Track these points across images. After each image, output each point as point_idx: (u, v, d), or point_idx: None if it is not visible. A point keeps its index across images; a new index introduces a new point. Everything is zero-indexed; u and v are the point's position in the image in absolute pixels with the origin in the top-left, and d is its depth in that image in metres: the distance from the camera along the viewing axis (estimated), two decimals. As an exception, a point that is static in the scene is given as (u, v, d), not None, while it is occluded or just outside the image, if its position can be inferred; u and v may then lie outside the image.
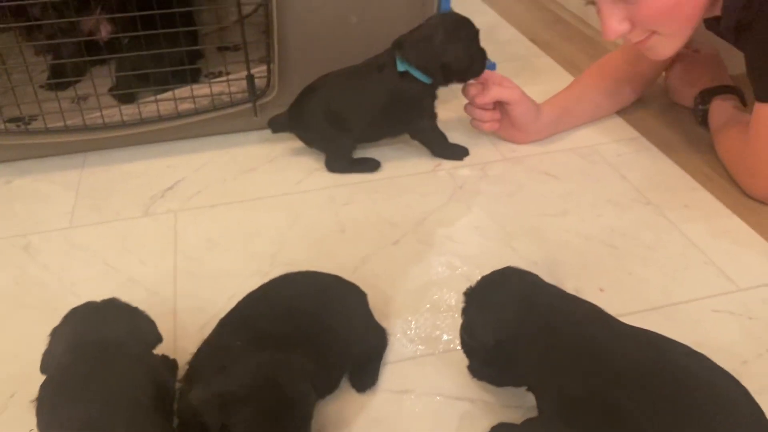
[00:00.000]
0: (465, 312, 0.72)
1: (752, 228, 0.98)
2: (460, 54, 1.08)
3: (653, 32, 0.98)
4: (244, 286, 0.79)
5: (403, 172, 1.15)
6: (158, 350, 0.74)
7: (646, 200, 1.06)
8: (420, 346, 0.82)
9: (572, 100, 1.23)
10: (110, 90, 1.27)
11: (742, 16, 0.94)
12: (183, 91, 1.19)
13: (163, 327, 0.75)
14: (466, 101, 1.18)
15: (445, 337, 0.83)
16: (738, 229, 0.99)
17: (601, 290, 0.89)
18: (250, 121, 1.22)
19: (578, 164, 1.15)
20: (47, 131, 1.15)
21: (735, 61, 1.06)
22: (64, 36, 1.25)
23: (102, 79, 1.25)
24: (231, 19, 1.47)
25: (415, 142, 1.18)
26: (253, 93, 1.19)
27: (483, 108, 1.16)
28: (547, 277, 0.73)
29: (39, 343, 0.71)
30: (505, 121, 1.18)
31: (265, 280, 0.80)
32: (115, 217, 1.07)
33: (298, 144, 1.19)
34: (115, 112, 1.17)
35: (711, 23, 1.05)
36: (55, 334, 0.71)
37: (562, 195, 1.08)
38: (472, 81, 1.14)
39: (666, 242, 0.97)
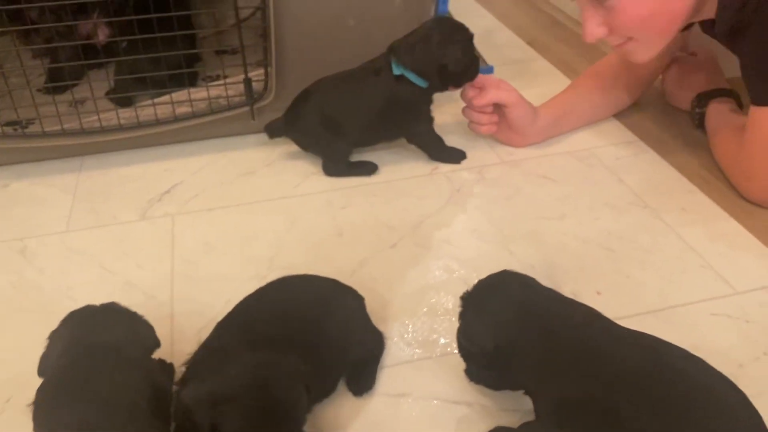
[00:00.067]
0: (462, 316, 0.72)
1: (749, 231, 0.99)
2: (458, 56, 1.08)
3: (630, 38, 1.00)
4: (242, 290, 0.79)
5: (401, 175, 1.15)
6: (155, 354, 0.74)
7: (643, 203, 1.06)
8: (417, 350, 0.82)
9: (569, 103, 1.23)
10: (107, 93, 1.27)
11: (736, 20, 0.94)
12: (180, 95, 1.19)
13: (160, 331, 0.75)
14: (463, 104, 1.18)
15: (442, 340, 0.83)
16: (735, 232, 0.99)
17: (599, 293, 0.89)
18: (248, 124, 1.22)
19: (576, 167, 1.16)
20: (44, 135, 1.15)
21: (731, 64, 1.06)
22: (62, 39, 1.25)
23: (99, 82, 1.24)
24: (228, 23, 1.47)
25: (413, 146, 1.18)
26: (251, 96, 1.19)
27: (480, 111, 1.16)
28: (545, 281, 0.73)
29: (35, 348, 0.70)
30: (503, 124, 1.18)
31: (263, 283, 0.80)
32: (112, 220, 1.07)
33: (296, 147, 1.19)
34: (113, 116, 1.17)
35: (706, 26, 1.05)
36: (53, 337, 0.71)
37: (559, 198, 1.08)
38: (467, 85, 1.14)
39: (663, 245, 0.97)
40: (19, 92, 1.17)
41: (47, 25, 1.17)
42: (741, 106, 1.16)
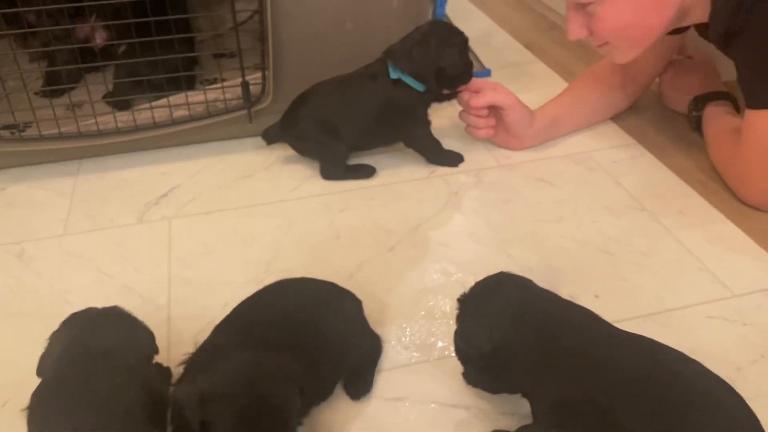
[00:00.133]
0: (460, 319, 0.72)
1: (746, 234, 0.99)
2: (455, 59, 1.09)
3: (607, 42, 1.04)
4: (239, 294, 0.79)
5: (398, 178, 1.15)
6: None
7: (641, 206, 1.06)
8: (415, 353, 0.82)
9: (566, 106, 1.23)
10: (104, 97, 1.26)
11: (729, 24, 0.95)
12: (178, 98, 1.19)
13: (157, 334, 0.75)
14: (460, 108, 1.19)
15: (440, 344, 0.83)
16: (732, 235, 0.99)
17: (596, 296, 0.89)
18: (245, 127, 1.22)
19: (573, 171, 1.16)
20: (42, 138, 1.15)
21: (728, 67, 1.07)
22: (59, 43, 1.25)
23: (97, 86, 1.24)
24: (226, 26, 1.47)
25: (410, 149, 1.18)
26: (248, 100, 1.19)
27: (477, 115, 1.17)
28: (542, 284, 0.73)
29: (33, 351, 0.70)
30: (500, 128, 1.19)
31: (260, 287, 0.80)
32: (110, 224, 1.06)
33: (293, 151, 1.19)
34: (110, 119, 1.17)
35: (702, 30, 1.05)
36: (54, 338, 0.71)
37: (557, 201, 1.08)
38: (462, 88, 1.15)
39: (660, 248, 0.97)
40: (16, 95, 1.16)
41: (45, 28, 1.17)
42: (738, 110, 1.16)
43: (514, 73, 1.52)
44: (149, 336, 0.73)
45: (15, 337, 0.86)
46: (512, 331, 0.68)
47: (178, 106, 1.18)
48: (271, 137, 1.18)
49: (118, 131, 1.17)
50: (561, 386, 0.63)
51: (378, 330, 0.83)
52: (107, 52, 1.34)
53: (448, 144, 1.20)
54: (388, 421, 0.74)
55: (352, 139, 1.14)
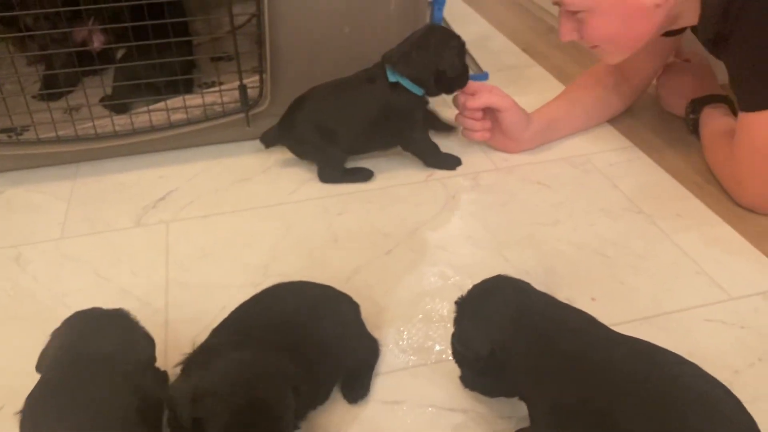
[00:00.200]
0: (457, 322, 0.72)
1: (743, 236, 0.99)
2: (454, 61, 1.10)
3: (597, 45, 1.06)
4: (237, 297, 0.79)
5: (396, 182, 1.15)
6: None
7: (637, 209, 1.06)
8: (412, 357, 0.81)
9: (563, 109, 1.23)
10: (102, 100, 1.26)
11: (719, 28, 0.95)
12: (175, 102, 1.19)
13: (155, 338, 0.74)
14: (457, 112, 1.19)
15: (437, 347, 0.83)
16: (729, 238, 0.99)
17: (593, 299, 0.89)
18: (243, 131, 1.23)
19: (570, 173, 1.16)
20: (39, 142, 1.15)
21: (725, 70, 1.07)
22: (57, 46, 1.25)
23: (94, 89, 1.24)
24: (224, 30, 1.47)
25: (408, 153, 1.18)
26: (246, 103, 1.19)
27: (473, 117, 1.17)
28: (540, 286, 0.73)
29: (30, 355, 0.70)
30: (496, 130, 1.19)
31: (258, 290, 0.80)
32: (107, 227, 1.06)
33: (291, 154, 1.19)
34: (108, 123, 1.16)
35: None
36: (55, 335, 0.71)
37: (554, 204, 1.08)
38: (458, 92, 1.15)
39: (658, 251, 0.97)
40: (13, 99, 1.16)
41: (42, 32, 1.17)
42: (735, 112, 1.16)
43: (512, 76, 1.52)
44: (148, 342, 0.73)
45: (12, 341, 0.86)
46: (510, 334, 0.67)
47: (175, 109, 1.18)
48: (269, 140, 1.18)
49: (115, 135, 1.17)
50: (558, 389, 0.63)
51: (375, 333, 0.83)
52: (105, 56, 1.35)
53: (446, 147, 1.20)
54: (385, 424, 0.74)
55: (350, 142, 1.14)
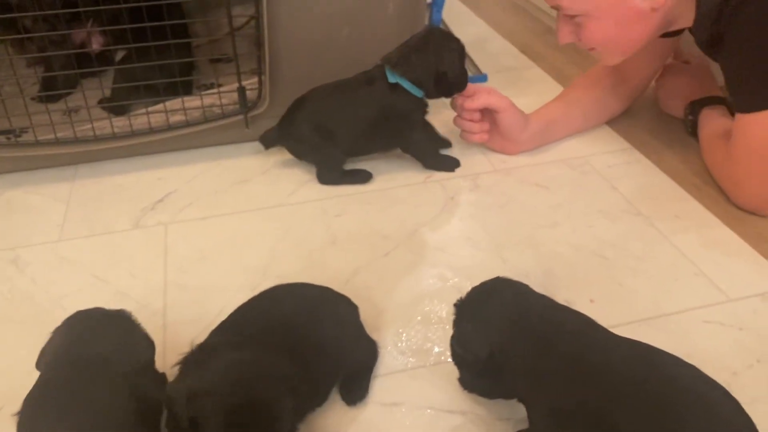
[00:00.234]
0: (456, 324, 0.72)
1: (742, 238, 0.99)
2: (455, 64, 1.10)
3: (594, 48, 1.07)
4: (235, 299, 0.79)
5: (395, 183, 1.15)
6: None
7: (636, 211, 1.06)
8: (411, 359, 0.81)
9: (561, 110, 1.24)
10: (100, 102, 1.26)
11: (714, 30, 0.95)
12: (174, 103, 1.19)
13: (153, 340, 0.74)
14: (455, 114, 1.19)
15: (436, 349, 0.83)
16: (728, 240, 0.99)
17: (592, 301, 0.89)
18: (242, 132, 1.23)
19: (569, 175, 1.16)
20: (38, 144, 1.15)
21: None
22: (56, 48, 1.25)
23: (93, 91, 1.24)
24: (223, 32, 1.47)
25: (407, 155, 1.18)
26: (245, 105, 1.19)
27: (471, 119, 1.17)
28: (538, 288, 0.73)
29: (27, 357, 0.70)
30: (494, 132, 1.19)
31: (257, 292, 0.80)
32: (106, 229, 1.06)
33: (290, 155, 1.19)
34: (106, 125, 1.16)
35: (695, 35, 1.06)
36: (56, 333, 0.71)
37: (553, 206, 1.08)
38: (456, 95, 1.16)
39: (656, 253, 0.97)
40: (12, 101, 1.17)
41: (41, 34, 1.17)
42: (733, 114, 1.16)
43: (510, 77, 1.52)
44: (148, 344, 0.73)
45: (10, 343, 0.86)
46: (508, 337, 0.67)
47: (174, 111, 1.18)
48: (268, 141, 1.18)
49: (114, 136, 1.17)
50: (557, 391, 0.63)
51: (374, 335, 0.83)
52: (104, 58, 1.35)
53: (444, 149, 1.20)
54: (383, 426, 0.74)
55: (349, 143, 1.14)
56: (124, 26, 1.10)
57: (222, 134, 1.23)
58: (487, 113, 1.17)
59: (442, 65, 1.09)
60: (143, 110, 1.18)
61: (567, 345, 0.66)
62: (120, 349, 0.69)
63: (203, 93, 1.23)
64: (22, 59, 1.37)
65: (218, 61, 1.43)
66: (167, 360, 0.80)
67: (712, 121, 1.15)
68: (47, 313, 0.90)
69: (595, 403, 0.61)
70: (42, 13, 1.12)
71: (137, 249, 1.02)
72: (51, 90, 1.27)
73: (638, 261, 0.96)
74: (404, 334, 0.85)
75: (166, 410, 0.66)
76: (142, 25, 1.08)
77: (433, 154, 1.19)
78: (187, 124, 1.19)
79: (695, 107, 1.19)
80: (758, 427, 0.59)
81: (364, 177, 1.16)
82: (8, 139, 1.18)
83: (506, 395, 0.73)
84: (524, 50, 1.67)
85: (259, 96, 1.19)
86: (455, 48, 1.11)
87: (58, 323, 0.72)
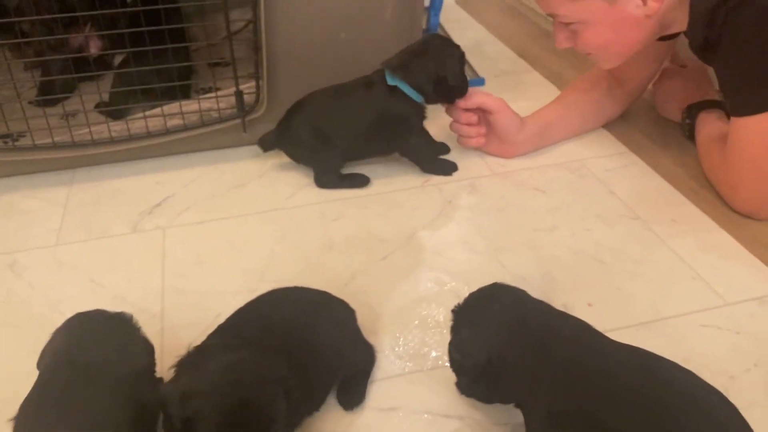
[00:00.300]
0: (454, 330, 0.72)
1: (739, 242, 0.99)
2: (456, 69, 1.11)
3: (590, 53, 1.09)
4: (233, 303, 0.79)
5: (393, 187, 1.15)
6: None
7: (634, 215, 1.06)
8: (408, 363, 0.81)
9: (558, 112, 1.24)
10: (97, 106, 1.26)
11: (707, 34, 0.96)
12: (172, 107, 1.19)
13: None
14: (452, 120, 1.19)
15: (433, 353, 0.82)
16: (725, 243, 0.99)
17: (590, 305, 0.89)
18: (240, 136, 1.23)
19: (566, 179, 1.16)
20: (35, 148, 1.15)
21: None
22: (53, 52, 1.25)
23: (90, 95, 1.24)
24: (220, 35, 1.47)
25: (405, 159, 1.18)
26: (242, 109, 1.19)
27: (468, 123, 1.17)
28: (536, 292, 0.73)
29: (24, 362, 0.70)
30: (491, 136, 1.19)
31: (254, 296, 0.80)
32: (103, 234, 1.06)
33: (288, 159, 1.19)
34: (104, 129, 1.16)
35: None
36: (58, 333, 0.71)
37: (550, 210, 1.08)
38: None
39: (654, 257, 0.97)
40: (10, 105, 1.16)
41: (39, 38, 1.17)
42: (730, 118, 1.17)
43: (508, 81, 1.53)
44: (146, 348, 0.73)
45: (6, 348, 0.86)
46: (506, 342, 0.67)
47: (172, 115, 1.18)
48: (266, 145, 1.18)
49: (111, 140, 1.17)
50: (554, 397, 0.63)
51: (371, 339, 0.83)
52: (101, 62, 1.34)
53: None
54: (381, 431, 0.73)
55: (347, 147, 1.14)
56: (122, 31, 1.10)
57: (219, 138, 1.24)
58: (483, 118, 1.18)
59: (443, 71, 1.10)
60: (141, 114, 1.18)
61: (564, 350, 0.66)
62: (118, 353, 0.69)
63: (201, 97, 1.22)
64: (19, 63, 1.37)
65: (216, 65, 1.43)
66: (165, 363, 0.80)
67: (708, 124, 1.15)
68: (44, 317, 0.90)
69: (592, 409, 0.61)
70: (40, 17, 1.12)
71: (135, 253, 1.02)
72: (48, 94, 1.27)
73: (636, 265, 0.96)
74: (401, 339, 0.85)
75: (162, 412, 0.66)
76: (140, 30, 1.08)
77: (431, 158, 1.19)
78: (185, 128, 1.19)
79: (692, 111, 1.19)
80: (755, 431, 0.59)
81: (361, 181, 1.16)
82: (5, 143, 1.17)
83: (504, 400, 0.73)
84: (522, 54, 1.68)
85: (257, 100, 1.19)
86: (455, 54, 1.12)
87: (55, 328, 0.72)
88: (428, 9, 1.50)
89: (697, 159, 1.15)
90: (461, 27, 1.83)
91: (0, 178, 1.20)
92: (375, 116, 1.12)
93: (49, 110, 1.19)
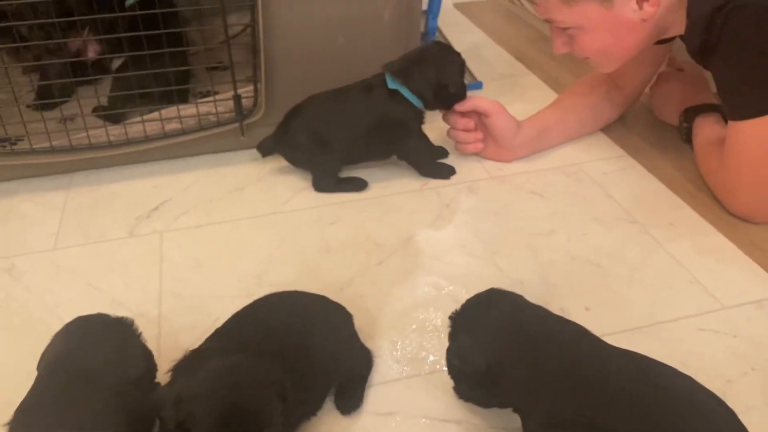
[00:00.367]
0: (452, 337, 0.72)
1: (736, 245, 0.99)
2: (456, 77, 1.12)
3: (588, 57, 1.09)
4: (230, 308, 0.79)
5: (391, 191, 1.15)
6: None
7: (631, 218, 1.06)
8: (406, 368, 0.81)
9: (555, 116, 1.24)
10: (95, 110, 1.26)
11: (705, 38, 0.96)
12: (170, 111, 1.19)
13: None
14: (449, 127, 1.20)
15: (431, 358, 0.82)
16: (722, 247, 0.99)
17: (587, 309, 0.89)
18: (238, 140, 1.23)
19: (564, 183, 1.16)
20: (33, 152, 1.15)
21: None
22: (51, 56, 1.25)
23: (89, 99, 1.24)
24: (219, 39, 1.47)
25: (403, 162, 1.18)
26: (240, 113, 1.19)
27: (465, 129, 1.18)
28: (533, 296, 0.73)
29: (21, 367, 0.70)
30: (488, 140, 1.20)
31: (252, 300, 0.80)
32: (101, 238, 1.06)
33: (286, 163, 1.19)
34: (102, 133, 1.16)
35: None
36: (58, 336, 0.71)
37: (548, 213, 1.08)
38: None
39: (651, 261, 0.97)
40: (7, 109, 1.16)
41: (37, 42, 1.17)
42: (727, 121, 1.17)
43: (506, 85, 1.53)
44: (145, 355, 0.72)
45: (4, 352, 0.85)
46: (504, 348, 0.68)
47: (170, 119, 1.18)
48: (265, 150, 1.18)
49: (109, 145, 1.17)
50: (551, 402, 0.63)
51: (369, 344, 0.83)
52: (99, 66, 1.35)
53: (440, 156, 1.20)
54: (378, 436, 0.74)
55: (345, 151, 1.14)
56: (121, 35, 1.10)
57: (217, 142, 1.24)
58: (480, 123, 1.18)
59: (443, 77, 1.11)
60: (139, 118, 1.18)
61: (562, 356, 0.66)
62: (116, 360, 0.69)
63: (199, 101, 1.23)
64: (17, 67, 1.37)
65: (214, 69, 1.43)
66: (162, 368, 0.80)
67: (706, 128, 1.15)
68: (42, 321, 0.89)
69: (590, 414, 0.61)
70: (38, 21, 1.12)
71: (133, 257, 1.02)
72: (46, 98, 1.27)
73: (633, 269, 0.96)
74: (399, 343, 0.85)
75: (157, 416, 0.66)
76: (138, 34, 1.08)
77: (430, 162, 1.19)
78: (183, 132, 1.19)
79: (689, 114, 1.19)
80: (752, 435, 0.59)
81: (359, 185, 1.16)
82: (3, 147, 1.17)
83: (501, 405, 0.73)
84: (519, 58, 1.68)
85: (255, 104, 1.19)
86: (456, 61, 1.13)
87: (53, 332, 0.72)
88: (426, 13, 1.50)
89: (695, 162, 1.15)
90: (459, 30, 1.83)
91: (-2, 182, 1.20)
92: (374, 120, 1.12)
93: (47, 114, 1.19)
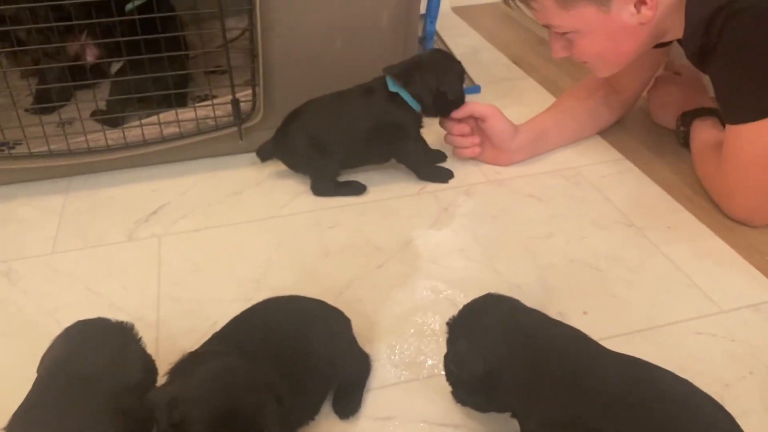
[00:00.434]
0: (450, 343, 0.72)
1: (734, 249, 0.99)
2: (456, 85, 1.13)
3: (586, 61, 1.09)
4: (229, 312, 0.79)
5: (389, 195, 1.15)
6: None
7: (629, 222, 1.06)
8: (404, 372, 0.81)
9: (553, 119, 1.24)
10: (93, 114, 1.26)
11: (703, 42, 0.96)
12: (168, 115, 1.19)
13: (145, 354, 0.74)
14: (446, 133, 1.20)
15: (429, 362, 0.82)
16: (720, 251, 0.99)
17: (585, 313, 0.89)
18: (236, 144, 1.23)
19: (562, 186, 1.16)
20: (31, 156, 1.15)
21: (714, 84, 1.08)
22: (50, 60, 1.25)
23: (87, 103, 1.24)
24: (217, 43, 1.48)
25: (401, 166, 1.19)
26: (238, 117, 1.19)
27: (462, 133, 1.18)
28: (531, 300, 0.73)
29: (18, 371, 0.70)
30: (486, 144, 1.20)
31: (250, 305, 0.80)
32: (99, 242, 1.06)
33: (285, 167, 1.19)
34: (100, 137, 1.16)
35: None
36: (58, 340, 0.71)
37: (546, 217, 1.08)
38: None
39: (649, 264, 0.97)
40: (5, 113, 1.16)
41: (35, 46, 1.17)
42: (724, 125, 1.17)
43: (504, 88, 1.53)
44: (144, 360, 0.72)
45: (1, 357, 0.85)
46: (502, 353, 0.67)
47: (168, 123, 1.18)
48: (265, 154, 1.18)
49: (108, 149, 1.17)
50: (549, 407, 0.63)
51: (367, 348, 0.83)
52: (98, 70, 1.35)
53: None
54: (377, 440, 0.74)
55: (344, 155, 1.14)
56: (119, 39, 1.10)
57: (216, 146, 1.24)
58: (477, 127, 1.18)
59: (443, 84, 1.11)
60: (137, 122, 1.18)
61: (560, 360, 0.66)
62: (114, 365, 0.68)
63: (197, 105, 1.23)
64: (16, 71, 1.37)
65: (213, 73, 1.43)
66: (160, 372, 0.80)
67: (703, 132, 1.15)
68: (40, 325, 0.89)
69: (588, 418, 0.61)
70: (36, 25, 1.12)
71: (131, 261, 1.02)
72: (45, 102, 1.27)
73: (631, 272, 0.96)
74: (397, 347, 0.85)
75: (153, 419, 0.66)
76: (137, 38, 1.08)
77: (428, 166, 1.19)
78: (181, 136, 1.19)
79: (687, 118, 1.20)
80: (750, 439, 0.59)
81: (358, 188, 1.16)
82: (1, 151, 1.17)
83: (500, 409, 0.73)
84: (517, 61, 1.68)
85: (253, 108, 1.20)
86: (456, 70, 1.14)
87: (51, 336, 0.72)
88: (424, 16, 1.50)
89: (692, 166, 1.15)
90: (457, 34, 1.84)
91: (-4, 186, 1.20)
92: (373, 123, 1.12)
93: (46, 118, 1.19)
